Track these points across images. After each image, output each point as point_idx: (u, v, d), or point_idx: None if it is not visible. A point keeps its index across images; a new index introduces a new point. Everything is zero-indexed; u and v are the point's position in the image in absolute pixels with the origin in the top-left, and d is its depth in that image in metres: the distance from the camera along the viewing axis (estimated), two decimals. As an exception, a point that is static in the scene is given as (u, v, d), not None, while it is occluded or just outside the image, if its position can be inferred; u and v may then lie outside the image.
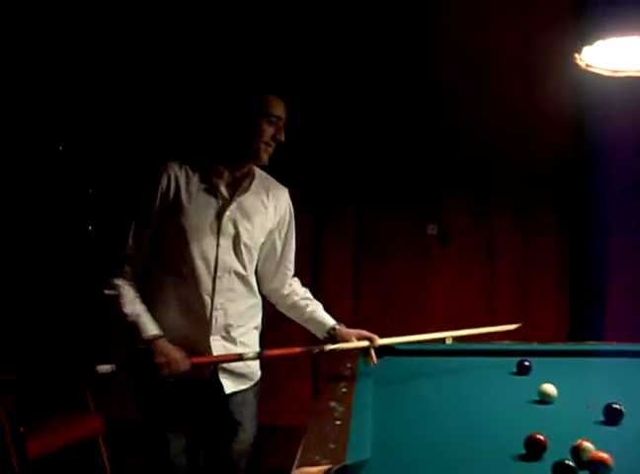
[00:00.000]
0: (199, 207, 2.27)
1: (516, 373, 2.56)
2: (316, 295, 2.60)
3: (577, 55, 2.19)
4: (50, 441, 3.53)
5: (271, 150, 2.32)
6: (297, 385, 4.37)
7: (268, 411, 2.64)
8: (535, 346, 2.89)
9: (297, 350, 2.36)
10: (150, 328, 2.23)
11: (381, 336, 2.47)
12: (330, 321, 2.50)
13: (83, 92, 4.52)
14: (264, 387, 2.50)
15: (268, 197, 2.41)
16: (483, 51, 4.32)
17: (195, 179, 2.29)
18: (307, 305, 2.54)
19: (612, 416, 2.01)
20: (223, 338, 2.34)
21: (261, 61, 4.24)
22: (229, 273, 2.32)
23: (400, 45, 4.40)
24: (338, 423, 1.91)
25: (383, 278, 4.42)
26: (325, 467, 1.57)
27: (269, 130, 2.28)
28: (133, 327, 2.22)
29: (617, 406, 2.02)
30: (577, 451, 1.70)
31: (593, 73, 2.25)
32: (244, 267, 2.36)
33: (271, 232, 2.44)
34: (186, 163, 2.31)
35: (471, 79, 4.34)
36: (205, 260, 2.28)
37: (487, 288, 4.38)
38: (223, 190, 2.32)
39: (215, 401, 2.37)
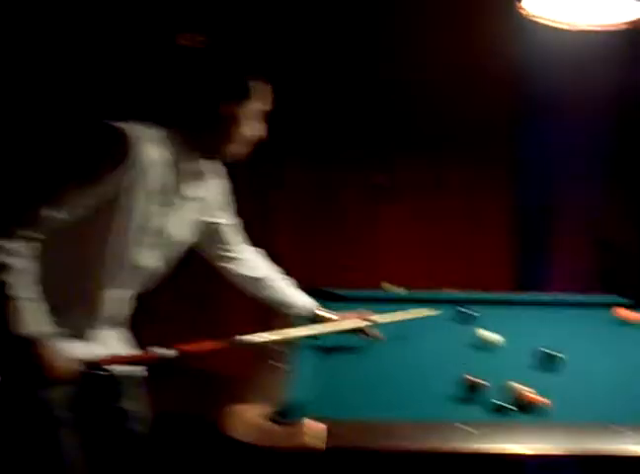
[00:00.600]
0: (157, 203, 1.87)
1: (459, 321, 2.60)
2: (266, 250, 2.36)
3: (518, 2, 2.14)
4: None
5: (249, 147, 1.95)
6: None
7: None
8: (480, 295, 2.94)
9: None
10: (45, 322, 1.73)
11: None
12: (312, 302, 2.30)
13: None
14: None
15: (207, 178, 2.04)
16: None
17: (164, 163, 1.84)
18: (278, 281, 2.29)
19: (548, 362, 2.08)
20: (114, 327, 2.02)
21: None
22: (152, 273, 2.01)
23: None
24: (279, 367, 1.94)
25: (335, 227, 4.39)
26: (262, 407, 1.60)
27: (251, 125, 1.91)
28: (20, 314, 1.68)
29: (553, 352, 2.08)
30: (509, 392, 1.76)
31: (538, 24, 2.21)
32: (165, 266, 2.03)
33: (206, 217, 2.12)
34: (155, 136, 1.83)
35: (408, 28, 4.23)
36: (137, 260, 1.92)
37: (435, 239, 4.40)
38: (188, 186, 1.95)
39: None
